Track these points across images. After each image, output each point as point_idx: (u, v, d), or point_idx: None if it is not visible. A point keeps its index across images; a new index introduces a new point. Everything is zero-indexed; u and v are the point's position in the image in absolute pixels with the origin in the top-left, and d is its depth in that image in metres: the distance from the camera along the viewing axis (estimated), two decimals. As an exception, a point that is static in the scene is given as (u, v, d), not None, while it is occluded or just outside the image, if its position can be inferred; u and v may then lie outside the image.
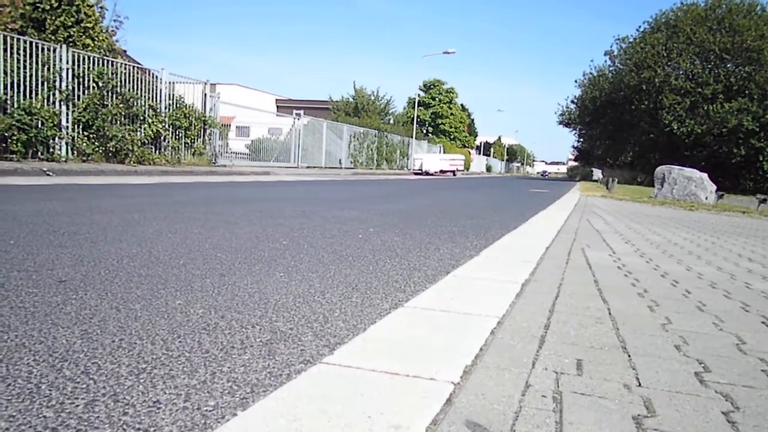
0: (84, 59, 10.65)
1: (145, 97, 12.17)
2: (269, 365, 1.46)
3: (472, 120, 66.21)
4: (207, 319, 1.82)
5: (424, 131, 52.00)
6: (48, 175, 8.25)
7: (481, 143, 78.52)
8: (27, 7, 10.80)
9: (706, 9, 39.02)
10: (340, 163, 24.27)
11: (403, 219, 5.51)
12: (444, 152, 40.80)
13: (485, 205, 8.76)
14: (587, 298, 2.34)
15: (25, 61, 9.51)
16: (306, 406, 1.16)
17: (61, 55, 10.17)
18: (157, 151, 12.51)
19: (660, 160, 29.71)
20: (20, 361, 1.38)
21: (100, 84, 10.95)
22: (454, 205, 8.15)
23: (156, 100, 12.54)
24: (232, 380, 1.35)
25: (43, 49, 9.89)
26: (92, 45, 11.31)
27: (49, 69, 9.97)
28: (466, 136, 59.23)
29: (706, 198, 13.22)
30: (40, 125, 9.65)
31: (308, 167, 20.89)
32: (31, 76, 9.64)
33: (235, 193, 7.89)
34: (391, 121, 42.12)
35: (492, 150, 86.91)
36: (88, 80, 10.76)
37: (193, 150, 13.74)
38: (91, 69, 10.77)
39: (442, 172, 29.93)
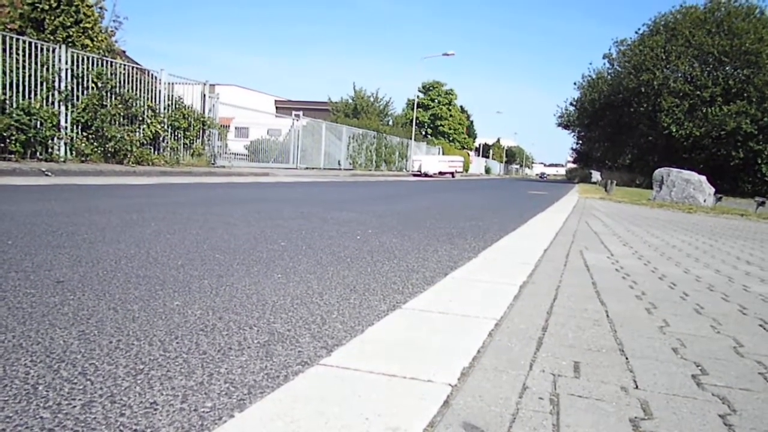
0: (83, 59, 10.65)
1: (144, 97, 12.16)
2: (267, 367, 1.46)
3: (471, 121, 66.26)
4: (205, 320, 1.82)
5: (423, 133, 52.02)
6: (47, 175, 8.24)
7: (480, 145, 78.59)
8: (26, 7, 10.79)
9: (705, 12, 39.11)
10: (339, 164, 24.27)
11: (402, 220, 5.51)
12: (443, 154, 40.84)
13: (483, 207, 8.77)
14: (585, 301, 2.34)
15: (24, 61, 9.50)
16: (303, 408, 1.16)
17: (60, 56, 10.16)
18: (156, 152, 12.51)
19: (658, 163, 29.80)
20: (17, 362, 1.37)
21: (99, 84, 10.95)
22: (453, 207, 8.15)
23: (155, 101, 12.54)
24: (230, 382, 1.35)
25: (42, 49, 9.88)
26: (91, 45, 11.31)
27: (48, 69, 9.96)
28: (465, 138, 59.27)
29: (705, 200, 13.23)
30: (38, 125, 9.64)
31: (307, 168, 20.90)
32: (30, 76, 9.63)
33: (234, 194, 7.89)
34: (390, 123, 42.16)
35: (491, 152, 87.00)
36: (87, 81, 10.75)
37: (191, 151, 13.74)
38: (90, 69, 10.77)
39: (440, 173, 29.94)
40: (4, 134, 9.02)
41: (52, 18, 10.88)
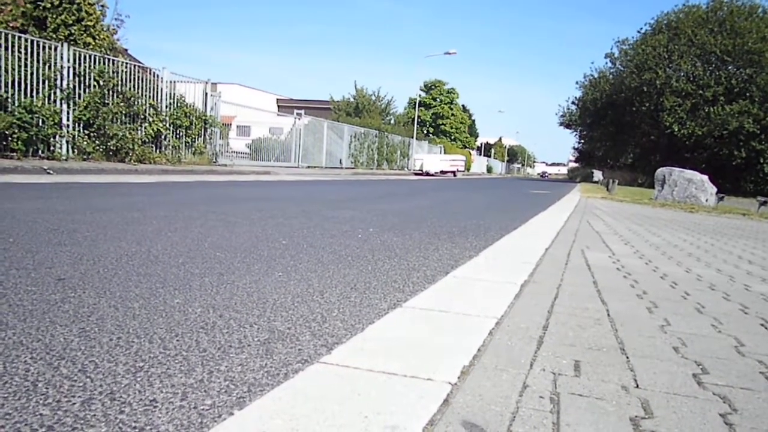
0: (85, 58, 10.66)
1: (145, 96, 12.17)
2: (267, 364, 1.46)
3: (473, 120, 66.23)
4: (205, 318, 1.82)
5: (425, 132, 52.01)
6: (48, 173, 8.25)
7: (481, 144, 78.57)
8: (28, 5, 10.81)
9: (708, 11, 39.03)
10: (340, 163, 24.27)
11: (403, 219, 5.51)
12: (444, 153, 40.80)
13: (485, 206, 8.76)
14: (586, 300, 2.33)
15: (26, 59, 9.52)
16: (303, 406, 1.16)
17: (62, 54, 10.17)
18: (158, 150, 12.52)
19: (660, 162, 29.75)
20: (17, 359, 1.38)
21: (101, 82, 10.96)
22: (454, 206, 8.15)
23: (157, 99, 12.54)
24: (230, 379, 1.35)
25: (44, 47, 9.89)
26: (93, 43, 11.32)
27: (50, 67, 9.97)
28: (466, 137, 59.24)
29: (707, 200, 13.21)
30: (40, 123, 9.66)
31: (309, 167, 20.90)
32: (32, 74, 9.64)
33: (235, 193, 7.89)
34: (392, 122, 42.12)
35: (493, 151, 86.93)
36: (89, 79, 10.76)
37: (193, 149, 13.75)
38: (92, 67, 10.78)
39: (442, 172, 29.92)
40: (6, 132, 9.04)
41: (54, 16, 10.89)
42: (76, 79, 10.49)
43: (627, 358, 1.61)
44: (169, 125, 12.83)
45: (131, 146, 11.33)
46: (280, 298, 2.14)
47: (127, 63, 11.85)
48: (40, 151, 9.76)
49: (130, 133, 11.32)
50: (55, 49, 10.09)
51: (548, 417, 1.18)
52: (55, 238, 3.03)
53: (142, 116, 12.02)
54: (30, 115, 9.38)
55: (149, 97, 12.27)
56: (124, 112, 11.45)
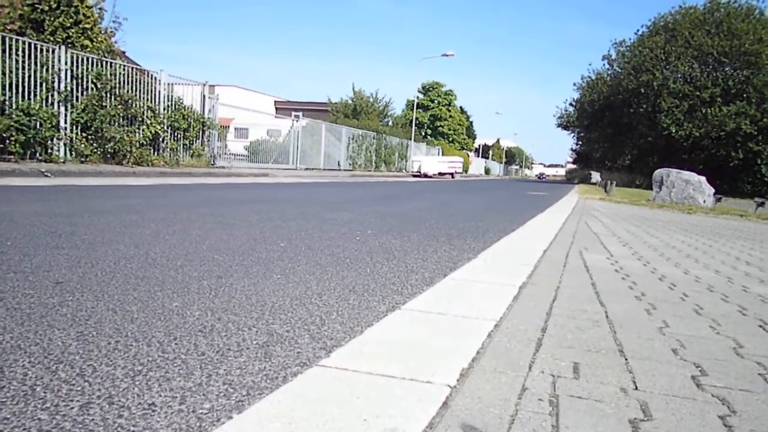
0: (82, 60, 10.65)
1: (143, 98, 12.16)
2: (265, 368, 1.45)
3: (471, 122, 66.29)
4: (203, 321, 1.82)
5: (423, 133, 52.03)
6: (46, 176, 8.24)
7: (479, 146, 78.66)
8: (26, 8, 10.80)
9: (705, 12, 39.16)
10: (338, 165, 24.27)
11: (401, 221, 5.51)
12: (442, 154, 40.84)
13: (483, 208, 8.77)
14: (585, 302, 2.34)
15: (23, 62, 9.50)
16: (302, 409, 1.16)
17: (59, 56, 10.16)
18: (156, 153, 12.50)
19: (658, 163, 29.83)
20: (15, 363, 1.37)
21: (99, 85, 10.95)
22: (452, 208, 8.15)
23: (155, 102, 12.53)
24: (228, 383, 1.34)
25: (41, 50, 9.88)
26: (91, 46, 11.31)
27: (47, 70, 9.96)
28: (464, 139, 59.29)
29: (704, 201, 13.24)
30: (38, 126, 9.64)
31: (307, 169, 20.89)
32: (29, 77, 9.63)
33: (233, 195, 7.88)
34: (390, 123, 42.17)
35: (491, 152, 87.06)
36: (87, 81, 10.75)
37: (191, 151, 13.74)
38: (89, 70, 10.77)
39: (440, 174, 29.94)
40: (4, 135, 9.02)
41: (52, 19, 10.88)
42: (74, 81, 10.48)
43: (626, 360, 1.61)
44: (167, 127, 12.82)
45: (129, 149, 11.31)
46: (278, 300, 2.14)
47: (124, 65, 11.85)
48: (37, 154, 9.74)
49: (127, 136, 11.31)
50: (53, 52, 10.08)
51: (547, 419, 1.18)
52: (53, 241, 3.02)
53: (140, 119, 12.01)
54: (27, 118, 9.36)
55: (147, 99, 12.26)
56: (121, 114, 11.43)
